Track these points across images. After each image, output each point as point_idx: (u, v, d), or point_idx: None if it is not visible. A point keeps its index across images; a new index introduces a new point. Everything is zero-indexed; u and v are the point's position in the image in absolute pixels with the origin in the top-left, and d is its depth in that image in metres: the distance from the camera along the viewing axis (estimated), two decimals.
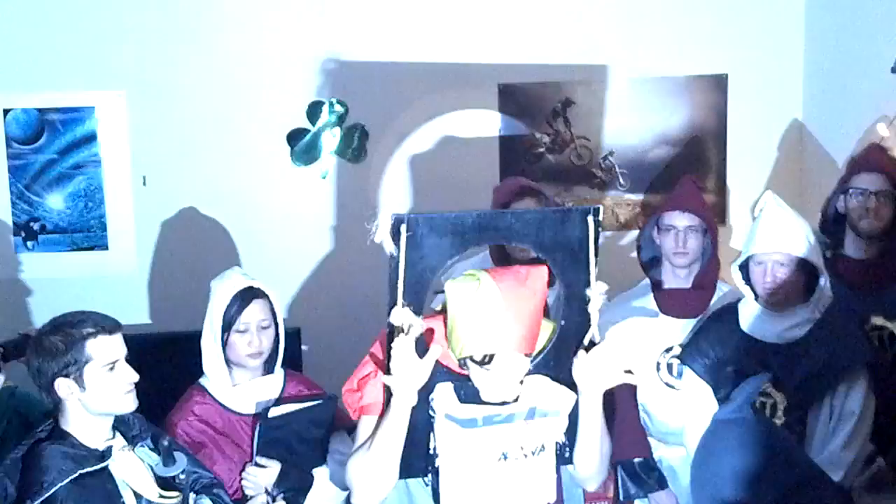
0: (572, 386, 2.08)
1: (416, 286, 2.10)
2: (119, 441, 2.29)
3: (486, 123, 3.66)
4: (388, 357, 2.05)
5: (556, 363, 2.11)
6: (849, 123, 3.41)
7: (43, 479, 2.12)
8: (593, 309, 2.12)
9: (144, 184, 3.62)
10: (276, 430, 2.60)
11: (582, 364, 2.06)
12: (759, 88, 3.72)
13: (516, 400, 2.07)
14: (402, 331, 2.03)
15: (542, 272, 2.07)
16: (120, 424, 2.30)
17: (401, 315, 2.06)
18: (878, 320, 2.84)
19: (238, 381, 2.67)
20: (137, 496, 2.23)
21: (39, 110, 3.59)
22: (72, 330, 2.22)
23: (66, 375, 2.19)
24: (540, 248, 2.13)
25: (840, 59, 3.53)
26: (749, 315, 2.68)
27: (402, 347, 1.99)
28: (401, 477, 2.06)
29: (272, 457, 2.57)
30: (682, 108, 3.70)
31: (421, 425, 2.05)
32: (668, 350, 2.95)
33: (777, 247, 2.61)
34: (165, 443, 2.30)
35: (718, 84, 3.70)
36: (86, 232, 3.65)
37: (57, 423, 2.24)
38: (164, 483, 2.30)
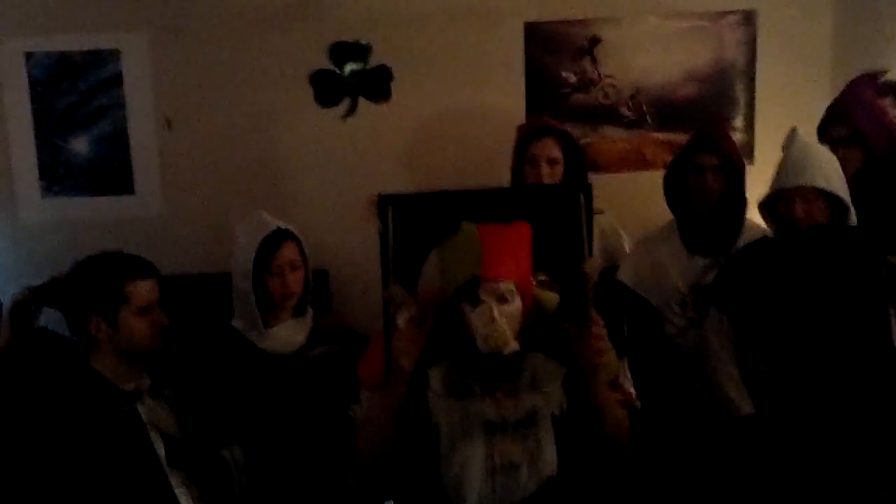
0: (570, 362, 2.09)
1: (407, 263, 2.13)
2: (148, 383, 2.32)
3: (512, 62, 3.61)
4: (386, 331, 2.09)
5: (555, 339, 2.12)
6: (880, 59, 3.35)
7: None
8: (589, 287, 2.12)
9: (169, 126, 3.61)
10: (315, 370, 2.62)
11: (575, 339, 2.06)
12: (788, 24, 3.64)
13: (519, 376, 2.10)
14: (393, 307, 2.07)
15: (525, 225, 2.11)
16: (149, 366, 2.33)
17: (392, 292, 2.10)
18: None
19: (270, 324, 2.69)
20: (165, 437, 2.26)
21: (62, 53, 3.57)
22: (109, 270, 2.24)
23: (99, 314, 2.21)
24: (533, 226, 2.14)
25: None
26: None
27: (400, 322, 2.02)
28: (407, 451, 2.09)
29: (310, 396, 2.60)
30: (710, 44, 3.63)
31: (421, 401, 2.08)
32: (694, 287, 2.95)
33: (803, 180, 2.59)
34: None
35: (747, 19, 3.63)
36: (111, 175, 3.64)
37: (88, 362, 2.27)
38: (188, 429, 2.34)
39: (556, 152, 2.97)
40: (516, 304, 2.07)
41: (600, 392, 2.08)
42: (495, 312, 2.02)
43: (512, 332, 2.05)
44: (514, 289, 2.06)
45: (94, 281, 2.24)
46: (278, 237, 2.68)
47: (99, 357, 2.27)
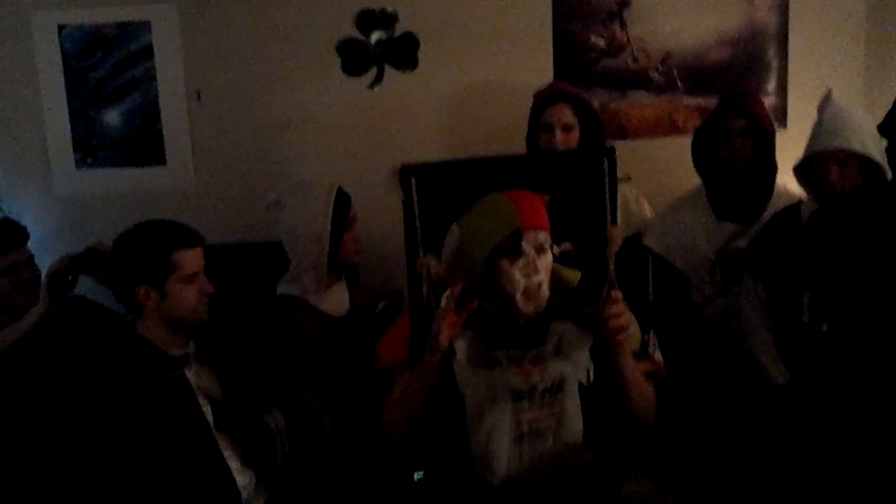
0: (596, 329, 2.08)
1: (432, 233, 2.11)
2: (193, 349, 2.36)
3: (540, 28, 3.58)
4: (415, 305, 2.08)
5: (579, 308, 2.11)
6: None
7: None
8: (610, 254, 2.10)
9: (199, 98, 3.64)
10: (381, 324, 2.66)
11: (597, 317, 2.04)
12: None
13: (543, 342, 2.09)
14: (426, 278, 2.06)
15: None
16: (193, 334, 2.37)
17: (425, 263, 2.09)
18: None
19: (325, 287, 2.77)
20: (212, 402, 2.31)
21: (94, 25, 3.60)
22: (158, 239, 2.28)
23: (148, 282, 2.25)
24: (555, 192, 2.13)
25: None
26: (809, 215, 2.64)
27: (444, 300, 2.01)
28: (434, 423, 2.10)
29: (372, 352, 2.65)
30: (741, 7, 3.57)
31: (447, 371, 2.08)
32: (722, 253, 2.93)
33: (838, 143, 2.56)
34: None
35: None
36: (143, 147, 3.68)
37: (134, 329, 2.32)
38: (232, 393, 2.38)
39: (570, 118, 2.94)
40: (551, 257, 2.08)
41: (625, 367, 2.08)
42: (538, 262, 2.03)
43: (547, 286, 2.06)
44: (549, 239, 2.07)
45: (143, 250, 2.29)
46: (345, 195, 2.80)
47: (145, 324, 2.32)
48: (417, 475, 2.19)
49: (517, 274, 2.03)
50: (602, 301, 2.01)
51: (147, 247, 2.28)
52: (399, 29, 3.57)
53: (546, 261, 2.06)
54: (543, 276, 2.04)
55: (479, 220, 2.08)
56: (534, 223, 2.03)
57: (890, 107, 2.86)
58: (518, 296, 2.04)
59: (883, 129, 2.68)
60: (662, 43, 3.59)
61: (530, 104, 3.12)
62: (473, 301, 2.01)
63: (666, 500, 1.96)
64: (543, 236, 2.05)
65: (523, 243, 2.02)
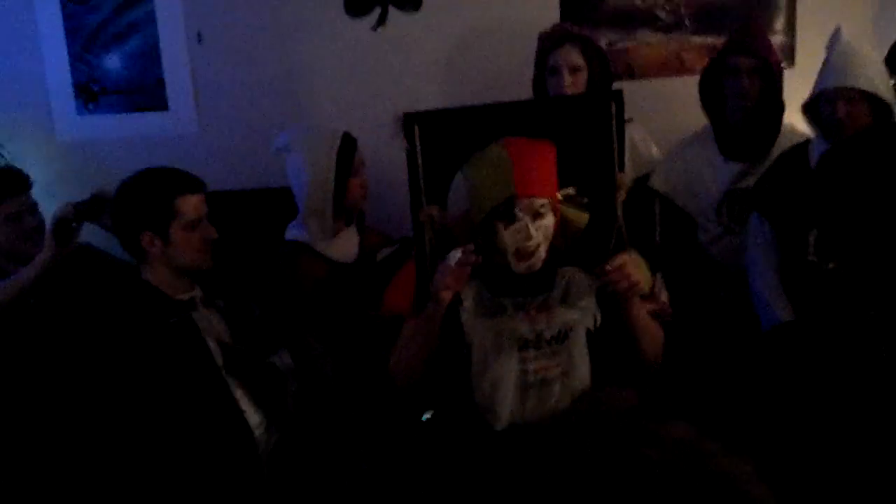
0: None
1: (438, 182, 2.09)
2: (200, 294, 2.37)
3: None
4: (419, 254, 2.07)
5: (586, 255, 2.10)
6: None
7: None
8: (618, 200, 2.08)
9: (200, 40, 3.59)
10: (384, 271, 2.67)
11: (611, 271, 2.01)
12: None
13: (550, 288, 2.08)
14: (430, 227, 2.05)
15: (550, 143, 2.07)
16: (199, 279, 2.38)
17: (428, 212, 2.07)
18: None
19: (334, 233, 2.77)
20: (222, 346, 2.32)
21: None
22: (160, 186, 2.29)
23: (151, 229, 2.26)
24: (562, 138, 2.09)
25: None
26: (819, 155, 2.62)
27: (451, 260, 1.99)
28: (440, 370, 2.11)
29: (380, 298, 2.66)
30: None
31: (454, 320, 2.08)
32: (729, 193, 2.92)
33: (846, 81, 2.54)
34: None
35: None
36: (145, 92, 3.65)
37: (139, 275, 2.33)
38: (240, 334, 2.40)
39: (578, 59, 2.89)
40: (550, 219, 2.06)
41: (635, 315, 2.08)
42: (532, 229, 2.01)
43: (545, 247, 2.05)
44: (548, 203, 2.05)
45: (145, 197, 2.29)
46: (351, 140, 2.78)
47: (150, 270, 2.33)
48: (426, 416, 2.21)
49: (511, 238, 2.03)
50: (610, 252, 2.01)
51: (149, 194, 2.29)
52: None
53: (544, 223, 2.04)
54: (540, 239, 2.03)
55: (479, 177, 2.05)
56: (531, 191, 2.01)
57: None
58: (511, 257, 2.04)
59: (889, 61, 2.65)
60: None
61: (536, 45, 3.07)
62: (476, 256, 2.01)
63: (711, 445, 1.97)
64: (540, 202, 2.03)
65: (517, 210, 2.01)
